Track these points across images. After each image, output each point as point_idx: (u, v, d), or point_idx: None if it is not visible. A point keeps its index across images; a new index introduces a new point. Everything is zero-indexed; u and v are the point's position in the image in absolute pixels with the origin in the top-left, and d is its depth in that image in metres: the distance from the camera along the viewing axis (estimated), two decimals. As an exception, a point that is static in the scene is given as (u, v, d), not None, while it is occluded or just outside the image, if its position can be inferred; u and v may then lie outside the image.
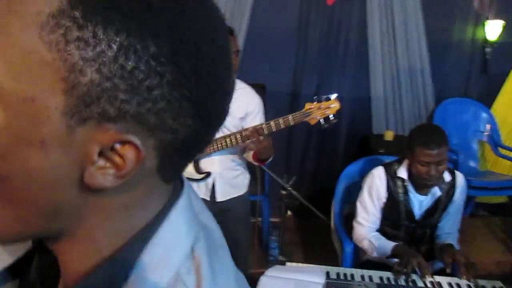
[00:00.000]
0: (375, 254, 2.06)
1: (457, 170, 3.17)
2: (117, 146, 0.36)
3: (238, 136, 1.96)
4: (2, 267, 0.47)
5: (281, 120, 1.88)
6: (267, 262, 3.02)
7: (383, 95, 3.61)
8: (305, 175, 3.68)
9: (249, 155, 2.11)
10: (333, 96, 1.88)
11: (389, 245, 1.99)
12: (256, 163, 2.15)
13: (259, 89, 2.94)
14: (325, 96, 1.88)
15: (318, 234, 3.15)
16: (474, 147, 3.71)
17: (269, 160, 2.14)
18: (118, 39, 0.32)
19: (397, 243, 2.01)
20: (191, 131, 0.39)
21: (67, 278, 0.42)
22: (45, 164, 0.34)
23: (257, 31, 3.31)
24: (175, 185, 0.46)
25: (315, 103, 1.87)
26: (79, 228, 0.39)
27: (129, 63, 0.33)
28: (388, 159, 2.49)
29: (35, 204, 0.36)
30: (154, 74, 0.34)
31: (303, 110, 1.88)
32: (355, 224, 2.20)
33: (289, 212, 3.77)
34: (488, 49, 3.63)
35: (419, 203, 2.07)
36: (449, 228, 2.12)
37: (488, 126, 3.67)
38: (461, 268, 1.83)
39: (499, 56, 3.66)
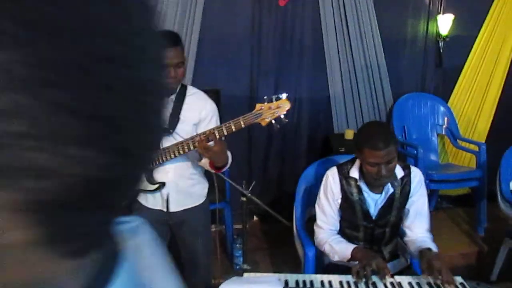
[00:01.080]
0: (336, 258, 2.01)
1: (417, 164, 3.23)
2: None
3: (190, 143, 1.87)
4: None
5: (232, 123, 1.81)
6: (233, 271, 2.94)
7: (341, 94, 3.59)
8: (268, 179, 3.62)
9: (206, 163, 2.02)
10: (284, 95, 1.82)
11: (349, 248, 1.95)
12: (213, 171, 2.06)
13: (213, 94, 2.86)
14: (275, 96, 1.82)
15: (283, 239, 3.08)
16: (433, 141, 3.73)
17: (227, 167, 2.06)
18: None
19: (356, 246, 1.96)
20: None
21: None
22: None
23: (209, 36, 3.24)
24: (103, 260, 0.31)
25: (265, 103, 1.80)
26: None
27: None
28: (345, 158, 2.46)
29: None
30: None
31: (254, 111, 1.81)
32: (315, 228, 2.15)
33: (255, 218, 3.71)
34: (441, 43, 3.66)
35: (374, 201, 2.03)
36: (418, 229, 2.08)
37: (446, 119, 3.70)
38: (436, 273, 1.75)
39: (452, 49, 3.70)
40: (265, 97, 1.81)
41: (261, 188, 3.62)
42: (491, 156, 3.36)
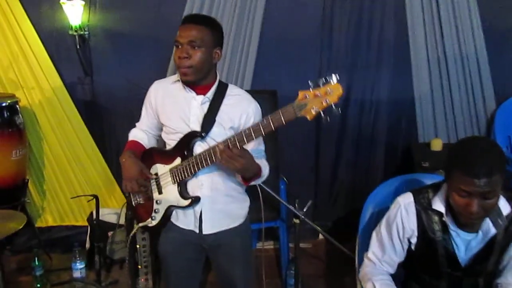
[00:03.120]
0: None
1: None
2: None
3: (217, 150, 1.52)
4: None
5: (270, 119, 1.41)
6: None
7: (429, 95, 3.00)
8: (337, 194, 3.16)
9: (237, 176, 1.65)
10: (333, 78, 1.35)
11: None
12: (243, 184, 1.68)
13: (268, 96, 2.48)
14: (322, 79, 1.36)
15: (350, 266, 2.61)
16: (547, 157, 2.99)
17: (260, 179, 1.67)
18: None
19: None
20: None
21: None
22: None
23: (272, 30, 2.88)
24: None
25: (310, 90, 1.37)
26: None
27: None
28: (431, 178, 1.94)
29: None
30: None
31: (296, 100, 1.37)
32: (364, 259, 1.71)
33: (320, 236, 3.26)
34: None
35: (466, 243, 1.50)
36: (510, 274, 1.52)
37: None
38: None
39: None
40: (309, 82, 1.37)
41: (327, 203, 3.16)
42: None
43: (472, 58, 2.94)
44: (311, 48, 2.93)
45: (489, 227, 1.45)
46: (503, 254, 1.52)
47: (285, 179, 2.71)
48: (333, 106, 1.34)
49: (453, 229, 1.49)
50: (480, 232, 1.47)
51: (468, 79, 2.97)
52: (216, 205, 1.70)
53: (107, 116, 3.04)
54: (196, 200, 1.67)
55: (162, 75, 2.73)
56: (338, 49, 2.92)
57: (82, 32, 2.79)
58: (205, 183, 1.67)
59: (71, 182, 3.11)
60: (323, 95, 1.33)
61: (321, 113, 1.36)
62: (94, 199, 2.63)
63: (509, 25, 2.94)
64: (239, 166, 1.48)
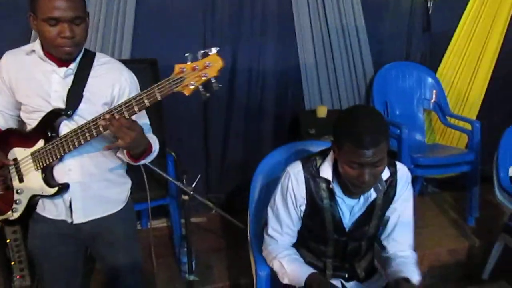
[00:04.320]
0: (285, 281, 1.55)
1: (401, 146, 2.75)
2: None
3: (93, 127, 1.33)
4: None
5: (144, 96, 1.26)
6: (180, 280, 2.45)
7: (314, 64, 3.05)
8: (228, 166, 3.10)
9: (123, 154, 1.48)
10: (213, 50, 1.24)
11: (303, 272, 1.50)
12: (132, 162, 1.51)
13: (147, 65, 2.30)
14: (201, 52, 1.24)
15: (243, 237, 2.60)
16: (419, 118, 3.25)
17: (151, 157, 1.51)
18: None
19: (312, 272, 1.51)
20: None
21: None
22: None
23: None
24: None
25: (188, 63, 1.24)
26: None
27: None
28: (318, 145, 1.95)
29: None
30: None
31: (172, 75, 1.25)
32: (265, 236, 1.68)
33: (214, 211, 3.20)
34: (430, 4, 3.13)
35: (349, 209, 1.54)
36: (399, 244, 1.60)
37: (434, 93, 3.21)
38: None
39: (442, 11, 3.18)
40: (186, 54, 1.24)
41: (219, 176, 3.10)
42: (483, 134, 2.90)
43: (352, 28, 3.03)
44: (194, 17, 2.76)
45: (370, 192, 1.49)
46: (383, 218, 1.59)
47: (173, 153, 2.57)
48: (213, 80, 1.24)
49: (339, 195, 1.50)
50: (361, 198, 1.51)
51: (349, 47, 3.07)
52: (88, 191, 1.51)
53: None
54: (64, 187, 1.46)
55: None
56: (221, 18, 2.80)
57: None
58: (73, 168, 1.47)
59: None
60: (202, 69, 1.22)
61: (200, 88, 1.25)
62: None
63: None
64: (128, 140, 1.30)
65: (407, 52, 3.24)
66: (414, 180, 2.78)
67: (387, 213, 1.58)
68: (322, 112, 2.89)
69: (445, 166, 2.93)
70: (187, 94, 1.25)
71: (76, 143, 1.36)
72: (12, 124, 1.58)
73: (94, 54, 1.49)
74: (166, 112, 2.46)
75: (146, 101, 1.26)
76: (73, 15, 1.31)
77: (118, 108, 1.29)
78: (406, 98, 3.20)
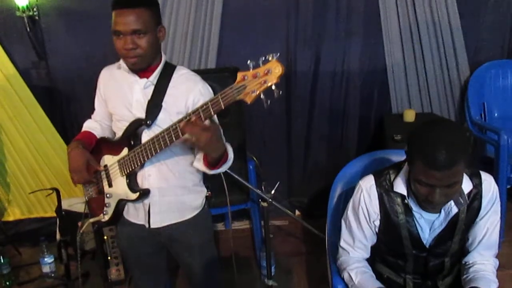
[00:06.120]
0: None
1: (499, 154, 2.50)
2: None
3: (171, 133, 1.37)
4: None
5: (210, 105, 1.28)
6: (260, 283, 2.49)
7: (402, 65, 2.91)
8: (311, 170, 3.08)
9: (200, 163, 1.52)
10: (273, 56, 1.23)
11: (371, 286, 1.44)
12: (209, 172, 1.54)
13: (230, 73, 2.35)
14: (262, 59, 1.24)
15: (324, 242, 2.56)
16: (522, 121, 2.94)
17: (226, 165, 1.52)
18: None
19: (380, 286, 1.44)
20: None
21: None
22: None
23: (234, 4, 2.71)
24: None
25: (250, 71, 1.22)
26: None
27: None
28: (400, 154, 1.84)
29: None
30: None
31: (235, 84, 1.24)
32: (338, 247, 1.64)
33: (297, 212, 3.20)
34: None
35: (429, 224, 1.44)
36: (480, 256, 1.47)
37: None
38: None
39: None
40: (249, 62, 1.22)
41: (302, 179, 3.09)
42: None
43: (444, 24, 2.83)
44: (277, 19, 2.78)
45: (451, 206, 1.38)
46: (467, 232, 1.47)
47: (254, 158, 2.62)
48: (274, 87, 1.22)
49: (416, 210, 1.42)
50: (442, 212, 1.41)
51: (441, 46, 2.88)
52: (165, 197, 1.58)
53: (67, 102, 2.87)
54: (145, 192, 1.55)
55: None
56: (305, 20, 2.78)
57: (30, 13, 2.60)
58: (153, 174, 1.56)
59: (35, 173, 2.97)
60: (262, 75, 1.22)
61: (261, 96, 1.25)
62: (55, 192, 2.49)
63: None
64: (204, 140, 1.30)
65: (508, 49, 2.95)
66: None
67: (473, 228, 1.45)
68: (410, 116, 2.75)
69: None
70: (249, 102, 1.24)
71: (153, 151, 1.43)
72: (108, 134, 1.72)
73: (175, 67, 1.57)
74: (247, 115, 2.52)
75: (211, 109, 1.28)
76: (133, 28, 1.38)
77: (193, 112, 1.31)
78: (507, 100, 2.92)
